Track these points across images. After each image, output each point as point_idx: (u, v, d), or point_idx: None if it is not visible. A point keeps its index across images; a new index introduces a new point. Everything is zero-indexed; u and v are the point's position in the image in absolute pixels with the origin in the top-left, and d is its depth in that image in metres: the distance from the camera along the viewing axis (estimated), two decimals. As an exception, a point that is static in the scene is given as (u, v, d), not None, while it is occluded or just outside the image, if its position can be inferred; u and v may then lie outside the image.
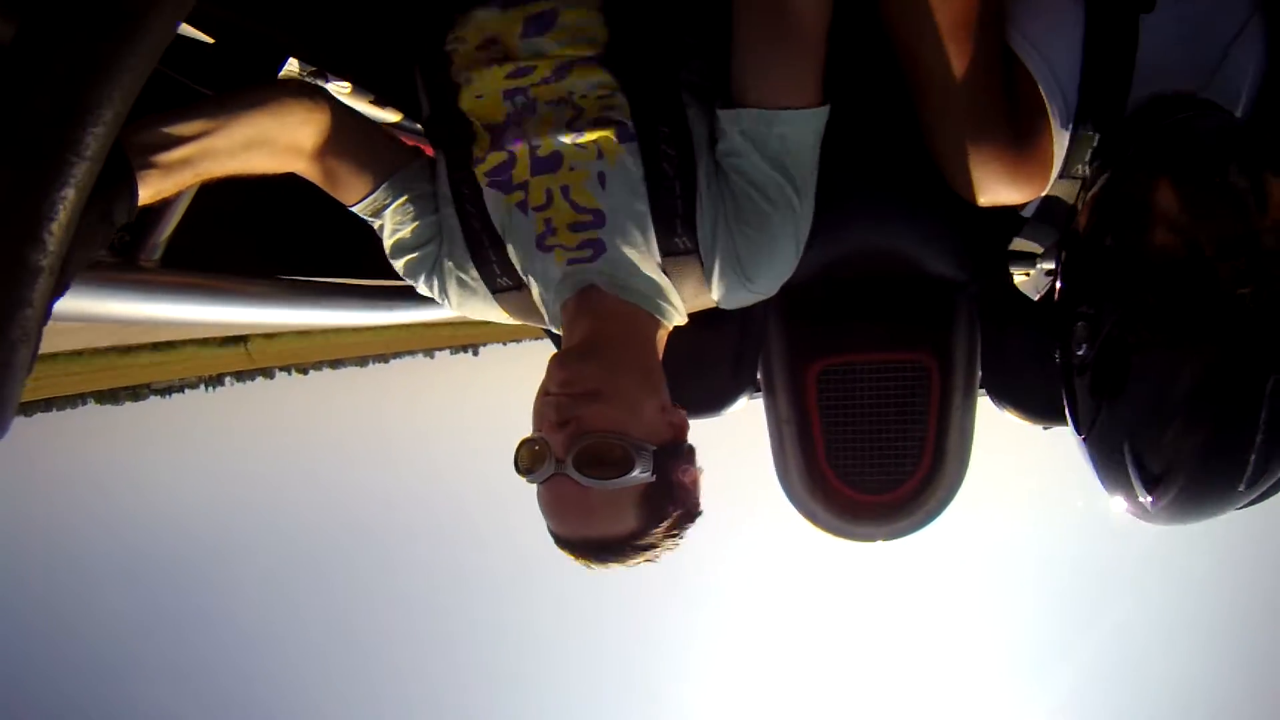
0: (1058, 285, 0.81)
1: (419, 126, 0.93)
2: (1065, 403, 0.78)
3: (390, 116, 1.41)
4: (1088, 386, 0.73)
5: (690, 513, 0.79)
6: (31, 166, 0.37)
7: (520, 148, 0.81)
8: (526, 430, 0.77)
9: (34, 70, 0.37)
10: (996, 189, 0.81)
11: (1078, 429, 0.76)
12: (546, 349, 1.04)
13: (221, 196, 0.79)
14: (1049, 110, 0.75)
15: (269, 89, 0.81)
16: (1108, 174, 0.74)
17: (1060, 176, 0.81)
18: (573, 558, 0.75)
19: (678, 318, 0.85)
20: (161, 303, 0.90)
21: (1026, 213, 0.90)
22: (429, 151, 0.90)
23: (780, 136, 0.75)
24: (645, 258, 0.80)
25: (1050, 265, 0.89)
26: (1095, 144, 0.78)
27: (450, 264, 0.88)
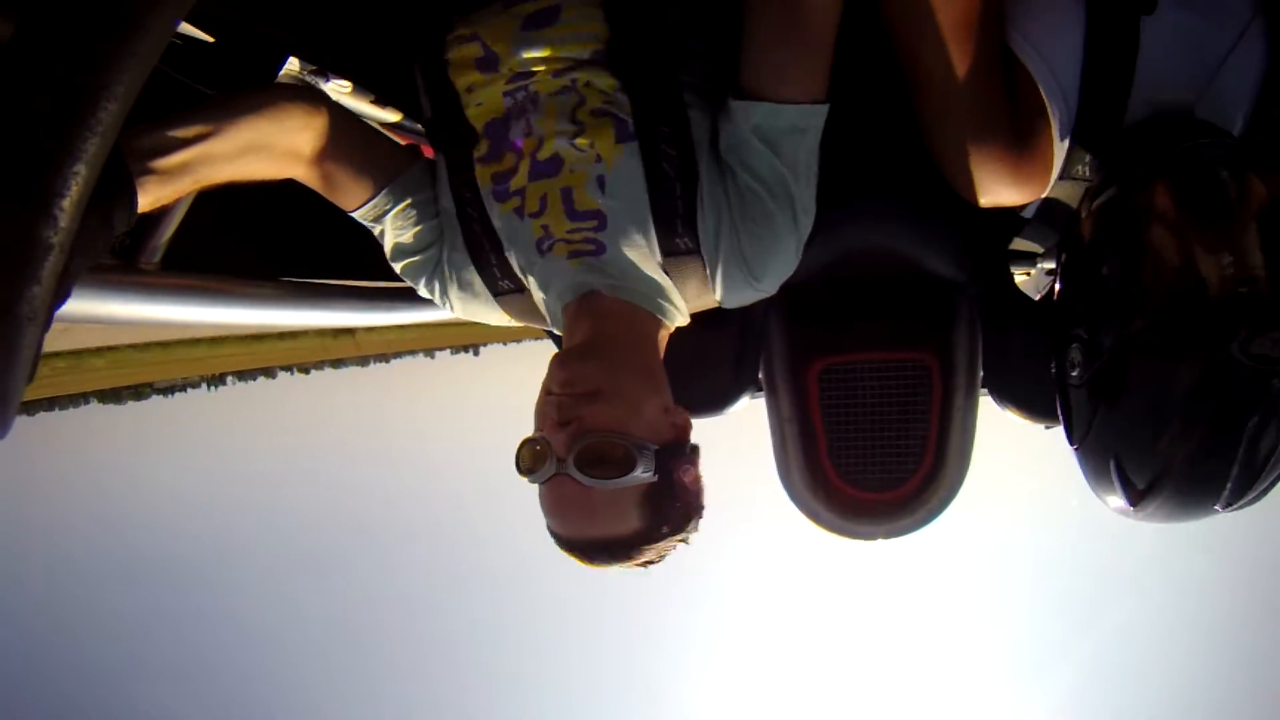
0: (1057, 286, 0.81)
1: (419, 126, 0.93)
2: (1060, 411, 0.80)
3: (391, 116, 1.41)
4: (1085, 394, 0.74)
5: (693, 513, 0.78)
6: (32, 166, 0.37)
7: (523, 145, 0.80)
8: (528, 430, 0.76)
9: (34, 70, 0.37)
10: (997, 190, 0.80)
11: (1071, 439, 0.78)
12: (548, 349, 1.04)
13: (221, 199, 0.79)
14: (1049, 112, 0.75)
15: (267, 93, 0.80)
16: (1114, 189, 0.74)
17: (1061, 178, 0.81)
18: (574, 558, 0.75)
19: (680, 318, 0.85)
20: (162, 304, 0.90)
21: (1027, 214, 0.90)
22: (428, 152, 0.90)
23: (788, 130, 0.75)
24: (646, 258, 0.80)
25: (1051, 265, 0.89)
26: (1096, 147, 0.78)
27: (451, 268, 0.88)
